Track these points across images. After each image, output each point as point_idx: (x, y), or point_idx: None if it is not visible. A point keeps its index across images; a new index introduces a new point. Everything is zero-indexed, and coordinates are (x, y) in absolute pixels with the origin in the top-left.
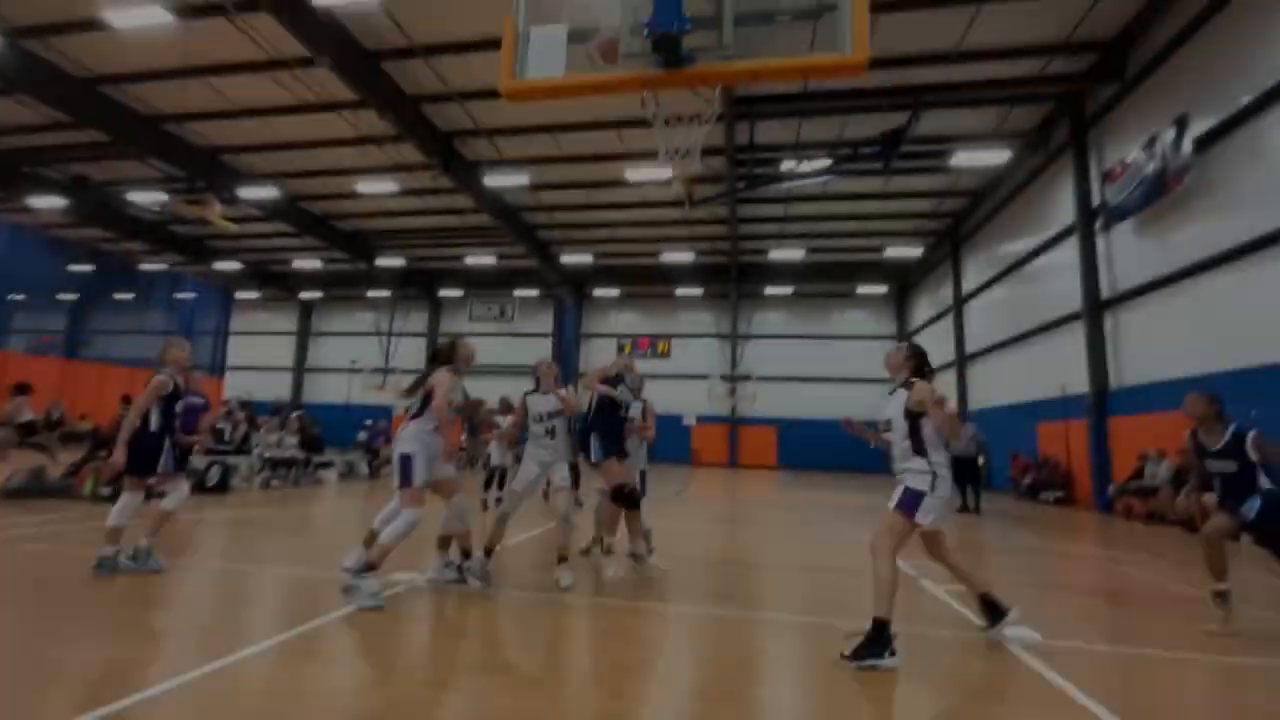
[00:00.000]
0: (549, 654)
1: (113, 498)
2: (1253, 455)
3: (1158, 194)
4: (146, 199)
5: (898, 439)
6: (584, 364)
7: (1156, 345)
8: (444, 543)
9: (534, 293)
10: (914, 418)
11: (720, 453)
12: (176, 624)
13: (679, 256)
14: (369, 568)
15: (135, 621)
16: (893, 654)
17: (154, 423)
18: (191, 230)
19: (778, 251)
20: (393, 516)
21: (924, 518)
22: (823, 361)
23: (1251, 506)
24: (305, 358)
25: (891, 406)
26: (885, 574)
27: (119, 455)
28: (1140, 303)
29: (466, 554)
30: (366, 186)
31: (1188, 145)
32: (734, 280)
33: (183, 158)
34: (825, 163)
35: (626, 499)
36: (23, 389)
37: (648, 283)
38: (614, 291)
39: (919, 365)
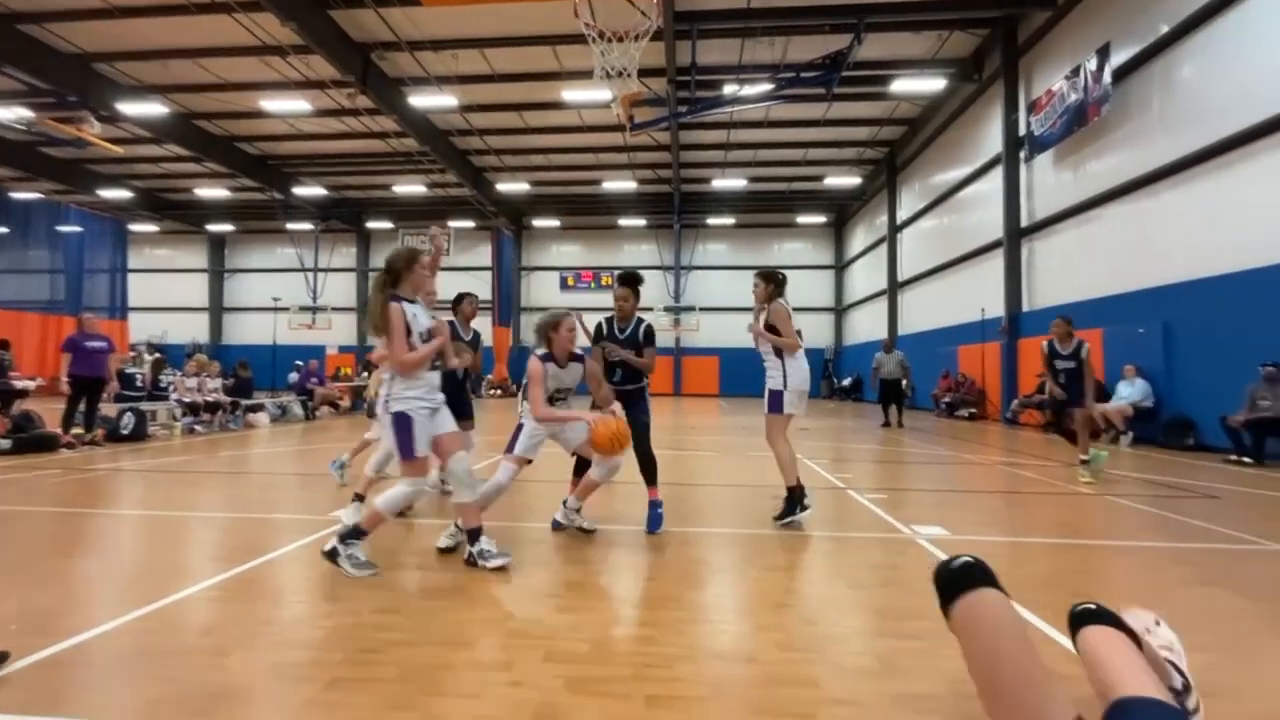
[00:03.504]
0: (498, 575)
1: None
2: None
3: (1078, 124)
4: (9, 115)
5: (766, 345)
6: (525, 299)
7: (1067, 270)
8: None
9: (470, 224)
10: (772, 329)
11: (665, 383)
12: (103, 570)
13: (621, 185)
14: (357, 533)
15: (60, 571)
16: (805, 508)
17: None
18: (68, 153)
19: (720, 180)
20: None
21: (790, 409)
22: None
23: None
24: (222, 296)
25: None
26: (782, 453)
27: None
28: (1054, 230)
29: (474, 534)
30: (274, 104)
31: (1108, 75)
32: (676, 210)
33: (48, 66)
34: (768, 87)
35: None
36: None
37: (589, 213)
38: (554, 222)
39: (777, 290)
